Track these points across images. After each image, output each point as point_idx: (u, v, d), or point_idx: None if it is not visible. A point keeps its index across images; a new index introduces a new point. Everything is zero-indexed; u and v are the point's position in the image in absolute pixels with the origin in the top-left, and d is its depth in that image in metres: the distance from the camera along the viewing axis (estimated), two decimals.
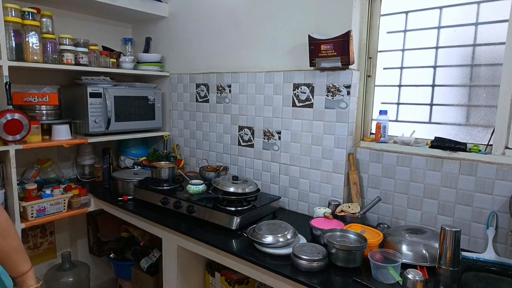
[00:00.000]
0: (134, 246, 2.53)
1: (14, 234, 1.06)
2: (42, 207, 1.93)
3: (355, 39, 1.77)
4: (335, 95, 1.81)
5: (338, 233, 1.49)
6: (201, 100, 2.44)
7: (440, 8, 1.66)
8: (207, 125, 2.43)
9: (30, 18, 1.90)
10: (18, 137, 1.78)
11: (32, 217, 1.90)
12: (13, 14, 1.82)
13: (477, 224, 1.54)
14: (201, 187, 1.94)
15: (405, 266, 1.30)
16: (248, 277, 1.91)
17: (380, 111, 1.80)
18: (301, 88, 1.93)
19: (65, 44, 2.09)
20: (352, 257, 1.35)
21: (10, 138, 1.76)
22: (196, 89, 2.46)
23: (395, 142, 1.80)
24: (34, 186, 1.94)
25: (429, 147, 1.66)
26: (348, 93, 1.77)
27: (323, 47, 1.74)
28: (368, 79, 1.87)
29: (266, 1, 2.03)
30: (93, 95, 2.14)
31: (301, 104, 1.94)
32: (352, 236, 1.46)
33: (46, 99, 2.05)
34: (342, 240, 1.43)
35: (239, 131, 2.25)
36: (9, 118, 1.73)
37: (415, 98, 1.78)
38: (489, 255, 1.46)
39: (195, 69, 2.46)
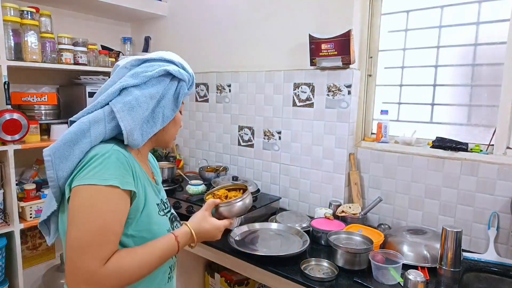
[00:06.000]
0: None
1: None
2: (41, 207, 1.92)
3: (356, 38, 1.77)
4: (336, 95, 1.80)
5: (343, 235, 1.48)
6: (201, 99, 2.43)
7: (441, 7, 1.65)
8: (206, 125, 2.42)
9: (29, 17, 1.89)
10: (16, 137, 1.77)
11: (30, 217, 1.90)
12: (12, 14, 1.81)
13: (479, 224, 1.54)
14: (201, 188, 1.93)
15: (406, 267, 1.29)
16: (248, 278, 1.90)
17: (381, 110, 1.79)
18: (301, 87, 1.92)
19: (64, 44, 2.08)
20: (357, 260, 1.34)
21: (8, 138, 1.75)
22: (196, 88, 2.45)
23: (396, 142, 1.79)
24: (33, 186, 1.93)
25: (430, 147, 1.65)
26: (349, 92, 1.76)
27: (323, 46, 1.73)
28: (369, 79, 1.86)
29: (267, 0, 2.02)
30: (92, 94, 2.13)
31: (301, 103, 1.93)
32: (357, 238, 1.45)
33: (44, 98, 2.04)
34: (348, 243, 1.42)
35: (239, 131, 2.24)
36: (8, 118, 1.73)
37: (416, 98, 1.77)
38: (490, 255, 1.45)
39: (194, 68, 2.41)
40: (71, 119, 0.93)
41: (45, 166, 0.84)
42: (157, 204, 0.97)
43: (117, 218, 0.81)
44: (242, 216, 1.61)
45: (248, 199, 1.17)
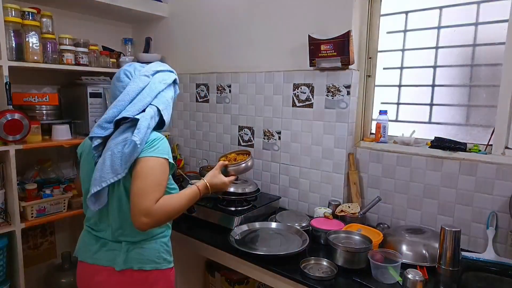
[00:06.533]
0: None
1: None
2: (42, 207, 1.93)
3: (355, 39, 1.77)
4: (335, 95, 1.81)
5: (342, 234, 1.49)
6: (201, 100, 2.44)
7: (440, 8, 1.66)
8: (207, 125, 2.43)
9: (30, 18, 1.89)
10: (18, 137, 1.78)
11: (32, 217, 1.90)
12: (13, 14, 1.82)
13: (477, 224, 1.54)
14: None
15: (405, 266, 1.30)
16: (248, 277, 1.91)
17: (380, 111, 1.80)
18: (301, 88, 1.93)
19: (65, 44, 2.09)
20: (356, 259, 1.35)
21: (10, 138, 1.75)
22: (196, 89, 2.46)
23: (395, 142, 1.80)
24: (34, 186, 1.94)
25: (429, 147, 1.66)
26: (348, 93, 1.77)
27: (323, 47, 1.74)
28: (368, 79, 1.87)
29: (266, 1, 2.03)
30: (93, 95, 2.14)
31: (301, 104, 1.94)
32: (356, 237, 1.46)
33: (46, 99, 2.05)
34: (347, 242, 1.43)
35: (239, 131, 2.25)
36: (9, 118, 1.73)
37: (415, 98, 1.78)
38: (489, 255, 1.46)
39: (195, 69, 2.46)
40: (126, 115, 1.23)
41: (132, 151, 1.17)
42: None
43: (165, 178, 1.21)
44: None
45: (250, 162, 1.56)
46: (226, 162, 1.51)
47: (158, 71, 1.34)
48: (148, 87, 1.28)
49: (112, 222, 1.27)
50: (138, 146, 1.15)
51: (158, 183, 1.17)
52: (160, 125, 1.30)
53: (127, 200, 1.22)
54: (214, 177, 1.40)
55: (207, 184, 1.36)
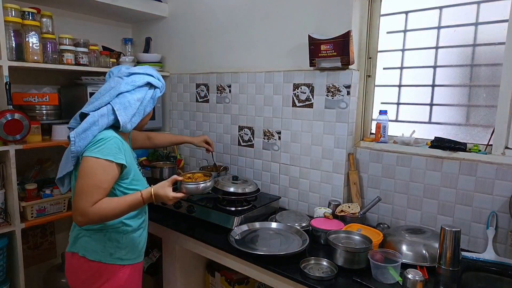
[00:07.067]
0: None
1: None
2: (42, 207, 1.93)
3: (355, 39, 1.78)
4: (335, 95, 1.81)
5: (342, 234, 1.49)
6: (201, 100, 2.44)
7: (440, 8, 1.66)
8: (207, 125, 2.43)
9: (30, 18, 1.89)
10: (18, 137, 1.78)
11: (32, 217, 1.90)
12: (13, 14, 1.82)
13: (477, 224, 1.54)
14: None
15: (405, 266, 1.30)
16: (248, 277, 1.91)
17: (380, 111, 1.80)
18: (301, 88, 1.93)
19: (65, 44, 2.09)
20: (356, 259, 1.35)
21: (10, 138, 1.75)
22: (196, 89, 2.46)
23: (395, 142, 1.80)
24: (34, 186, 1.94)
25: (429, 147, 1.66)
26: (348, 93, 1.77)
27: (323, 47, 1.74)
28: (368, 79, 1.87)
29: (266, 1, 2.03)
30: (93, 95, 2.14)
31: (301, 104, 1.94)
32: (356, 237, 1.46)
33: (46, 99, 2.05)
34: (347, 242, 1.43)
35: (239, 131, 2.25)
36: (9, 118, 1.73)
37: (415, 98, 1.78)
38: (489, 255, 1.46)
39: (195, 69, 2.46)
40: (82, 111, 1.32)
41: (70, 144, 1.24)
42: (138, 166, 1.45)
43: (106, 180, 1.23)
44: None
45: (202, 185, 1.48)
46: (180, 178, 1.44)
47: (133, 73, 1.37)
48: (114, 87, 1.33)
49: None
50: (72, 140, 1.23)
51: (98, 185, 1.20)
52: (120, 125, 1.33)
53: None
54: (161, 187, 1.34)
55: (152, 192, 1.32)
